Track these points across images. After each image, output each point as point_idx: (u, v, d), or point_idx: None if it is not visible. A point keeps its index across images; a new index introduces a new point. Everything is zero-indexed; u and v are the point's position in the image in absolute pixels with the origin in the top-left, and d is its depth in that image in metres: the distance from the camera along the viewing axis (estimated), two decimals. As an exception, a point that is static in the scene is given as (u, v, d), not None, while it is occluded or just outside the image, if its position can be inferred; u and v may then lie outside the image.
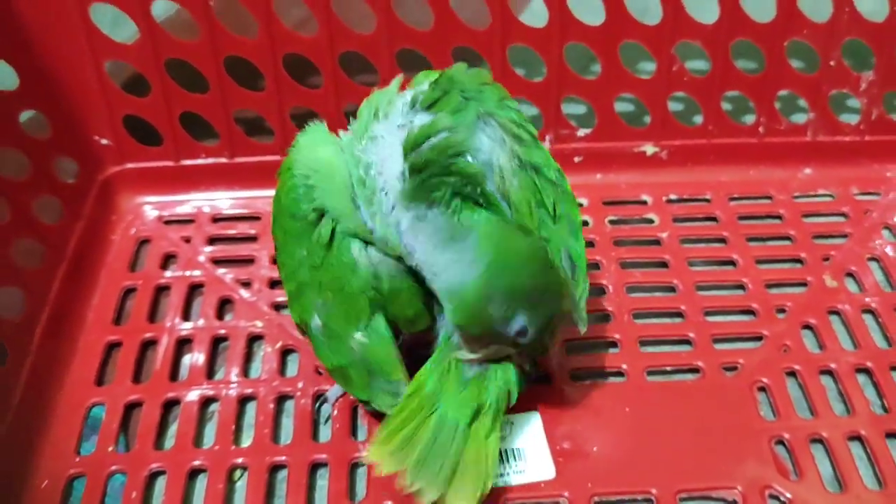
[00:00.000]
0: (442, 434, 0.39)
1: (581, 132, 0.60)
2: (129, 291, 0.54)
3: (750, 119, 0.61)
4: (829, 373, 0.49)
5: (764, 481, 0.43)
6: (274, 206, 0.44)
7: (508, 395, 0.40)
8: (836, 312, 0.53)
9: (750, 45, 0.58)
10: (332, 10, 0.54)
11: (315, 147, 0.42)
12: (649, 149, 0.61)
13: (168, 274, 0.55)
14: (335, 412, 0.47)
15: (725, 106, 0.60)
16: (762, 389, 0.48)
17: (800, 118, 0.61)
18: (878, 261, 0.56)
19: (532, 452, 0.44)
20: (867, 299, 0.53)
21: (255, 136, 0.60)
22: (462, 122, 0.38)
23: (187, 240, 0.57)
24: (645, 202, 0.60)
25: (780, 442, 0.46)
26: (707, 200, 0.60)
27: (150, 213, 0.59)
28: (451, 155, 0.37)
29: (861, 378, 0.49)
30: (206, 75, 0.56)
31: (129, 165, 0.59)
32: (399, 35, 0.55)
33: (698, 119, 0.60)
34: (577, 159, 0.60)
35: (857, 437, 0.46)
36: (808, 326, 0.52)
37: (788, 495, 0.43)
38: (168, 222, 0.59)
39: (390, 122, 0.39)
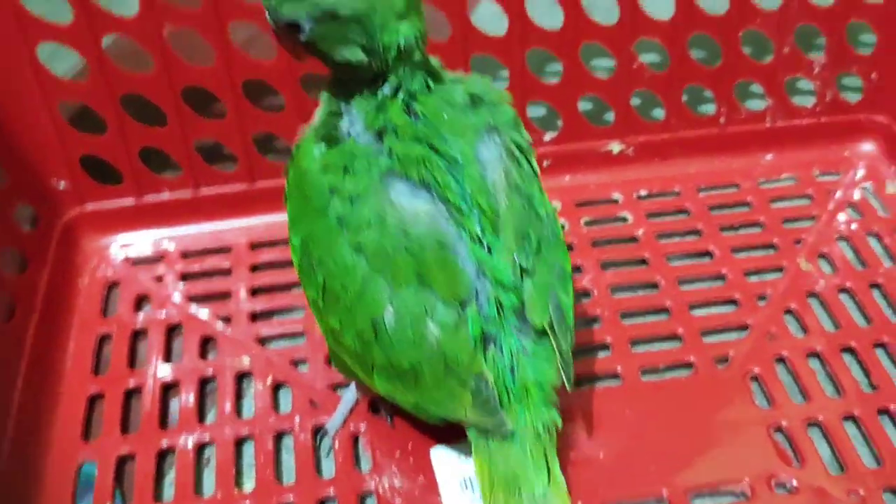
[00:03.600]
0: None
1: (547, 136, 0.60)
2: (105, 338, 0.52)
3: (710, 110, 0.62)
4: (816, 355, 0.50)
5: (769, 471, 0.44)
6: (300, 208, 0.40)
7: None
8: (815, 295, 0.54)
9: (705, 38, 0.59)
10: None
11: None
12: (615, 147, 0.61)
13: (143, 316, 0.53)
14: (336, 445, 0.46)
15: (686, 98, 0.61)
16: (754, 379, 0.49)
17: (758, 105, 0.62)
18: (846, 240, 0.57)
19: (540, 465, 0.44)
20: (842, 280, 0.54)
21: (217, 164, 0.58)
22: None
23: (159, 279, 0.56)
24: (616, 201, 0.60)
25: (779, 429, 0.47)
26: (677, 194, 0.61)
27: (117, 253, 0.57)
28: None
29: (846, 358, 0.50)
30: (164, 108, 0.54)
31: (90, 206, 0.57)
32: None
33: (660, 114, 0.61)
34: (545, 163, 0.60)
35: (851, 417, 0.47)
36: (789, 311, 0.53)
37: (794, 483, 0.44)
38: (136, 262, 0.57)
39: None
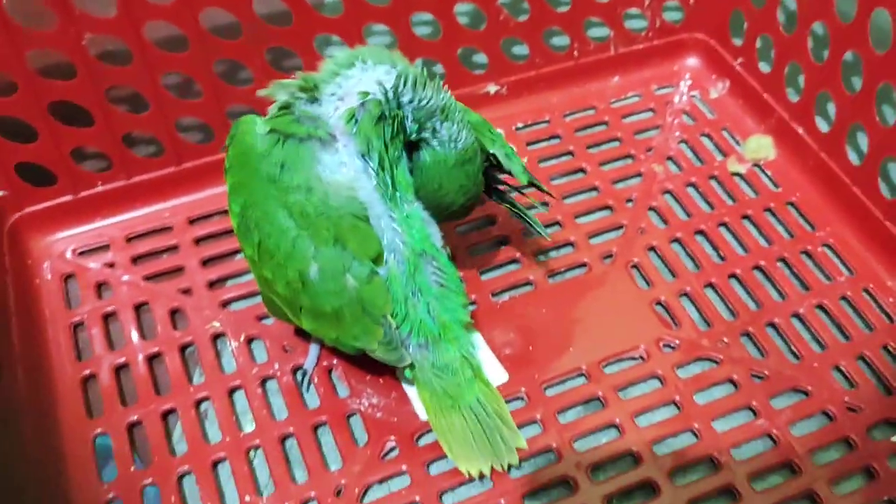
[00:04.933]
0: (475, 422, 0.49)
1: (434, 86, 0.69)
2: (77, 326, 0.58)
3: (565, 46, 0.72)
4: (677, 241, 0.63)
5: (657, 336, 0.57)
6: (240, 163, 0.48)
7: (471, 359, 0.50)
8: (668, 192, 0.67)
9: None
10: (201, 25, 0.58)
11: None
12: (492, 88, 0.71)
13: (107, 300, 0.59)
14: (315, 380, 0.55)
15: (546, 40, 0.71)
16: (634, 267, 0.62)
17: (602, 35, 0.73)
18: (685, 142, 0.70)
19: (485, 365, 0.55)
20: (687, 176, 0.67)
21: (145, 153, 0.63)
22: None
23: (110, 265, 0.61)
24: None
25: (659, 303, 0.59)
26: (548, 122, 0.71)
27: (64, 248, 0.61)
28: None
29: (699, 239, 0.64)
30: (90, 109, 0.59)
31: (30, 209, 0.61)
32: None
33: (525, 55, 0.71)
34: (435, 110, 0.69)
35: (710, 285, 0.61)
36: (652, 209, 0.65)
37: (676, 342, 0.57)
38: (83, 253, 0.62)
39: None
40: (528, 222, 0.56)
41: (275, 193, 0.46)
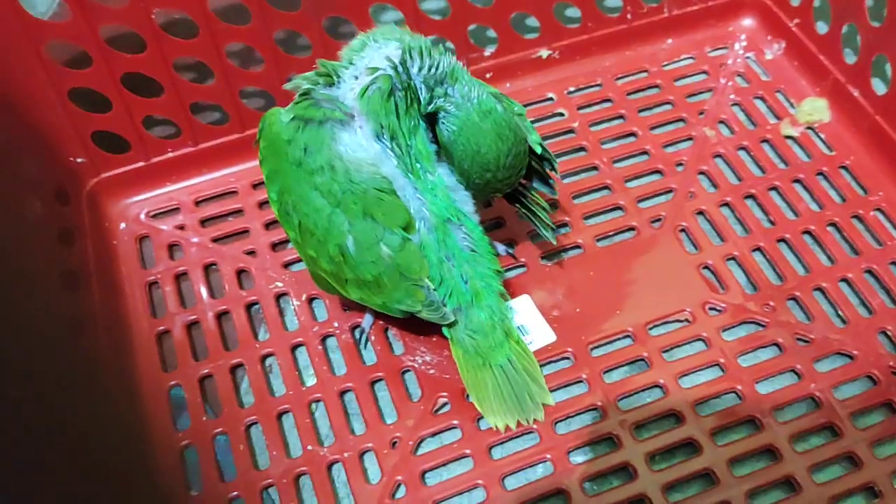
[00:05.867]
0: (504, 380, 0.51)
1: (487, 52, 0.70)
2: (152, 285, 0.62)
3: (618, 8, 0.72)
4: (727, 205, 0.64)
5: (703, 299, 0.58)
6: (271, 152, 0.50)
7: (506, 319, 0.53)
8: (719, 156, 0.67)
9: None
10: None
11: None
12: (544, 52, 0.72)
13: (178, 261, 0.63)
14: (373, 337, 0.58)
15: (598, 2, 0.71)
16: (682, 231, 0.63)
17: (655, -1, 0.73)
18: (739, 105, 0.70)
19: (533, 326, 0.57)
20: (738, 140, 0.68)
21: (210, 120, 0.66)
22: None
23: (181, 227, 0.64)
24: (552, 99, 0.71)
25: (706, 267, 0.61)
26: (599, 86, 0.72)
27: (138, 212, 0.65)
28: None
29: (748, 203, 0.64)
30: (160, 79, 0.62)
31: (105, 175, 0.65)
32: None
33: (578, 18, 0.71)
34: (488, 75, 0.70)
35: (758, 249, 0.61)
36: (702, 173, 0.66)
37: (723, 305, 0.58)
38: (156, 216, 0.65)
39: None
40: (536, 223, 0.57)
41: (304, 176, 0.49)
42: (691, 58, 0.74)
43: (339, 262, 0.50)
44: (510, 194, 0.56)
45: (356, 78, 0.49)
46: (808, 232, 0.62)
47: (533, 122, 0.70)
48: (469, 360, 0.52)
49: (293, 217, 0.50)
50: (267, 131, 0.51)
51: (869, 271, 0.60)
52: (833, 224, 0.62)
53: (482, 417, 0.54)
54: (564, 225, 0.63)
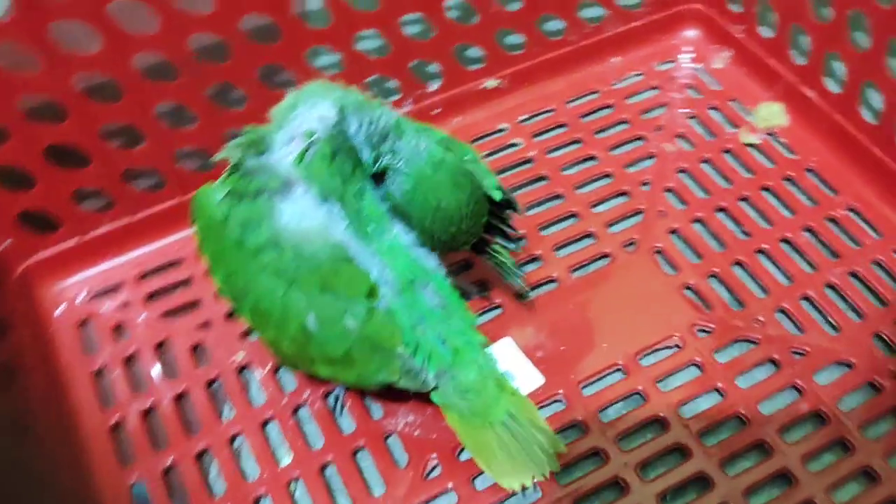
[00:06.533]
0: (509, 437, 0.46)
1: (432, 87, 0.67)
2: (99, 372, 0.56)
3: (560, 30, 0.70)
4: (699, 221, 0.62)
5: (690, 322, 0.56)
6: (209, 235, 0.46)
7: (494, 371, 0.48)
8: (684, 171, 0.65)
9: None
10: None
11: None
12: (491, 83, 0.69)
13: (126, 342, 0.57)
14: (349, 403, 0.54)
15: (540, 26, 0.69)
16: (658, 252, 0.60)
17: (597, 15, 0.71)
18: (695, 117, 0.69)
19: (519, 370, 0.54)
20: (700, 153, 0.66)
21: (146, 187, 0.62)
22: None
23: (125, 305, 0.59)
24: (505, 129, 0.68)
25: (688, 287, 0.58)
26: (552, 111, 0.70)
27: (75, 294, 0.60)
28: None
29: (720, 216, 0.62)
30: (85, 148, 0.57)
31: (36, 257, 0.59)
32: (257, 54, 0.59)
33: (521, 44, 0.69)
34: (436, 111, 0.67)
35: (738, 263, 0.59)
36: (668, 190, 0.64)
37: (711, 325, 0.56)
38: (95, 296, 0.60)
39: None
40: (503, 272, 0.54)
41: (248, 257, 0.44)
42: (640, 74, 0.72)
43: (303, 343, 0.45)
44: (476, 245, 0.52)
45: (291, 142, 0.45)
46: (784, 240, 0.60)
47: (487, 154, 0.67)
48: (467, 424, 0.48)
49: (244, 302, 0.46)
50: (199, 211, 0.46)
51: (852, 273, 0.58)
52: (808, 229, 0.60)
53: (478, 476, 0.50)
54: (535, 259, 0.60)
